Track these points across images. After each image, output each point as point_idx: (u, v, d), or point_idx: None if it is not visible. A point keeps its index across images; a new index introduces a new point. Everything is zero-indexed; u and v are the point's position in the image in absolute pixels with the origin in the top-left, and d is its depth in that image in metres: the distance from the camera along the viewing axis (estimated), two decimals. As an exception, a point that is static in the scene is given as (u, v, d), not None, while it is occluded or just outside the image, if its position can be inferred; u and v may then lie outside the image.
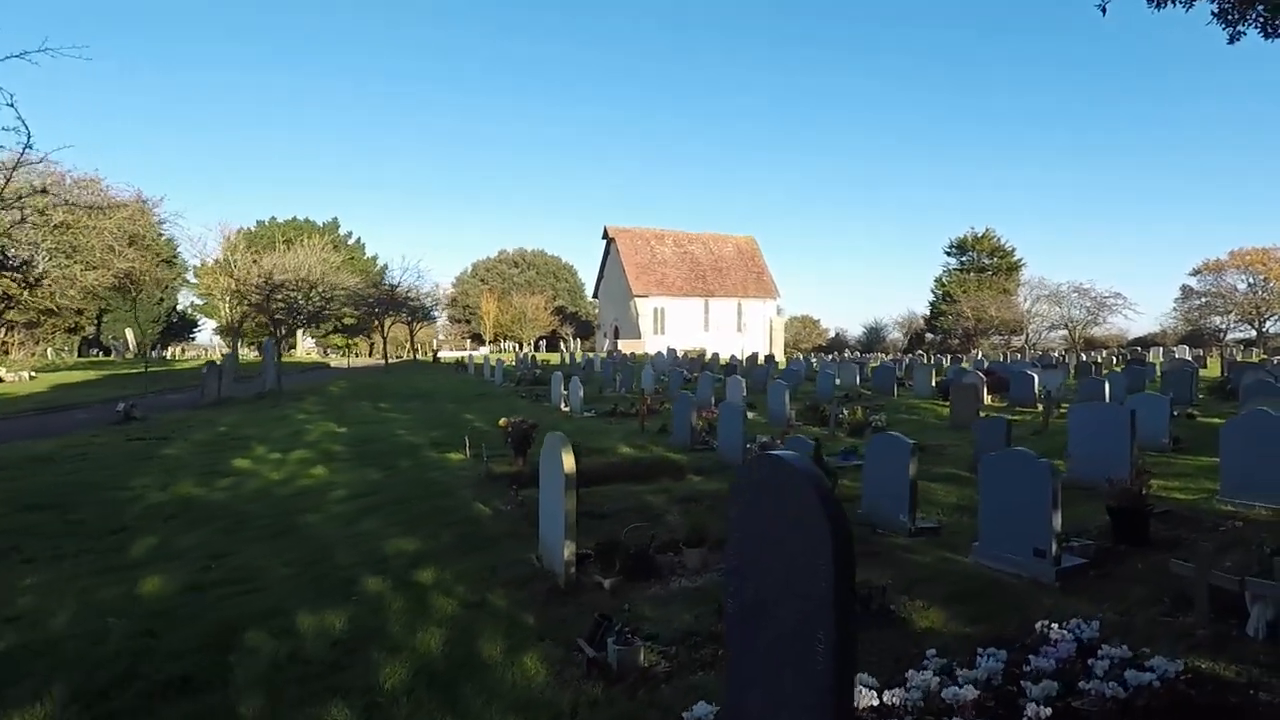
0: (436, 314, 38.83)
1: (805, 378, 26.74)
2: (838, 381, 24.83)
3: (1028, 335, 70.16)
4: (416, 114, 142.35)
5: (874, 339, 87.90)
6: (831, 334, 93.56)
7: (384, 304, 29.38)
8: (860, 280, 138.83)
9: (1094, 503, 8.02)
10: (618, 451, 11.29)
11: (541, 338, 69.17)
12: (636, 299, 56.96)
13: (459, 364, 31.71)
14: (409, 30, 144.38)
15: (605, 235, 61.25)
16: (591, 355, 37.32)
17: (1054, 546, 5.51)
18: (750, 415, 16.11)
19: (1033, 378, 17.15)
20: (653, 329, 57.41)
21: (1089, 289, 47.84)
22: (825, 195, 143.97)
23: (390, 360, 37.40)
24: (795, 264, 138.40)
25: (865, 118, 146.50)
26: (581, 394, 16.37)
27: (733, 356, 40.26)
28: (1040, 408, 16.15)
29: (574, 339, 68.69)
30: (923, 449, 11.98)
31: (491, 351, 61.91)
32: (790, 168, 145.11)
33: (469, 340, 71.77)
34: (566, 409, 16.88)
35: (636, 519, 7.68)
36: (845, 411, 13.71)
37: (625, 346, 52.85)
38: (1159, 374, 22.76)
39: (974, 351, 55.55)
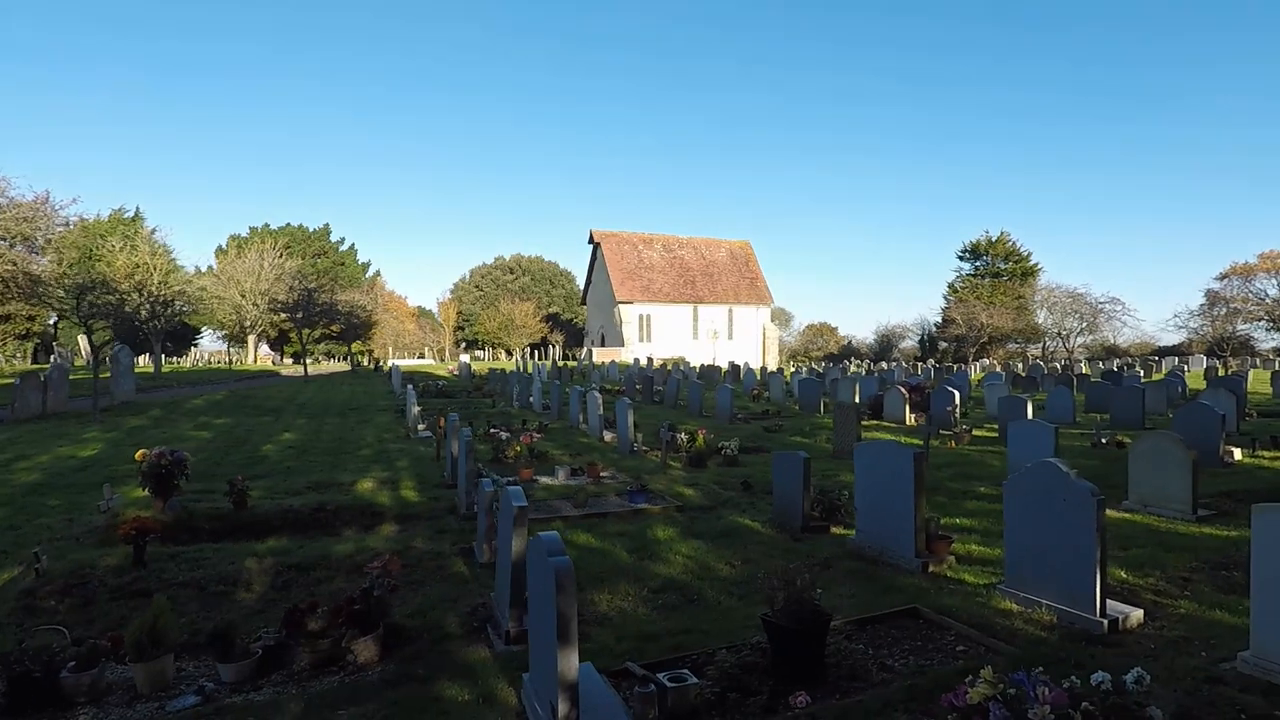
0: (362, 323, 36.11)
1: (732, 392, 24.36)
2: (765, 395, 22.44)
3: (1045, 344, 66.35)
4: (418, 122, 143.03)
5: (886, 347, 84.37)
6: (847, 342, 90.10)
7: (303, 310, 27.60)
8: (885, 286, 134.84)
9: (861, 584, 5.73)
10: (354, 488, 9.21)
11: (532, 345, 67.47)
12: (620, 306, 54.84)
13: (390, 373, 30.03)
14: (409, 40, 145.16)
15: (591, 240, 59.29)
16: (540, 365, 35.29)
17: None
18: (608, 437, 13.95)
19: (953, 394, 14.58)
20: (638, 336, 55.24)
21: (1084, 294, 44.24)
22: (847, 201, 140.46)
23: (353, 368, 36.15)
24: (816, 271, 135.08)
25: (885, 118, 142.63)
26: (417, 410, 14.34)
27: (701, 366, 37.91)
28: (956, 429, 13.65)
29: (561, 346, 66.86)
30: (750, 487, 9.73)
31: (471, 359, 60.46)
32: (811, 172, 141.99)
33: (428, 347, 70.19)
34: (413, 427, 14.87)
35: (202, 597, 5.60)
36: (683, 436, 11.39)
37: (604, 355, 50.77)
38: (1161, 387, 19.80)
39: (972, 362, 52.26)
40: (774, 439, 14.14)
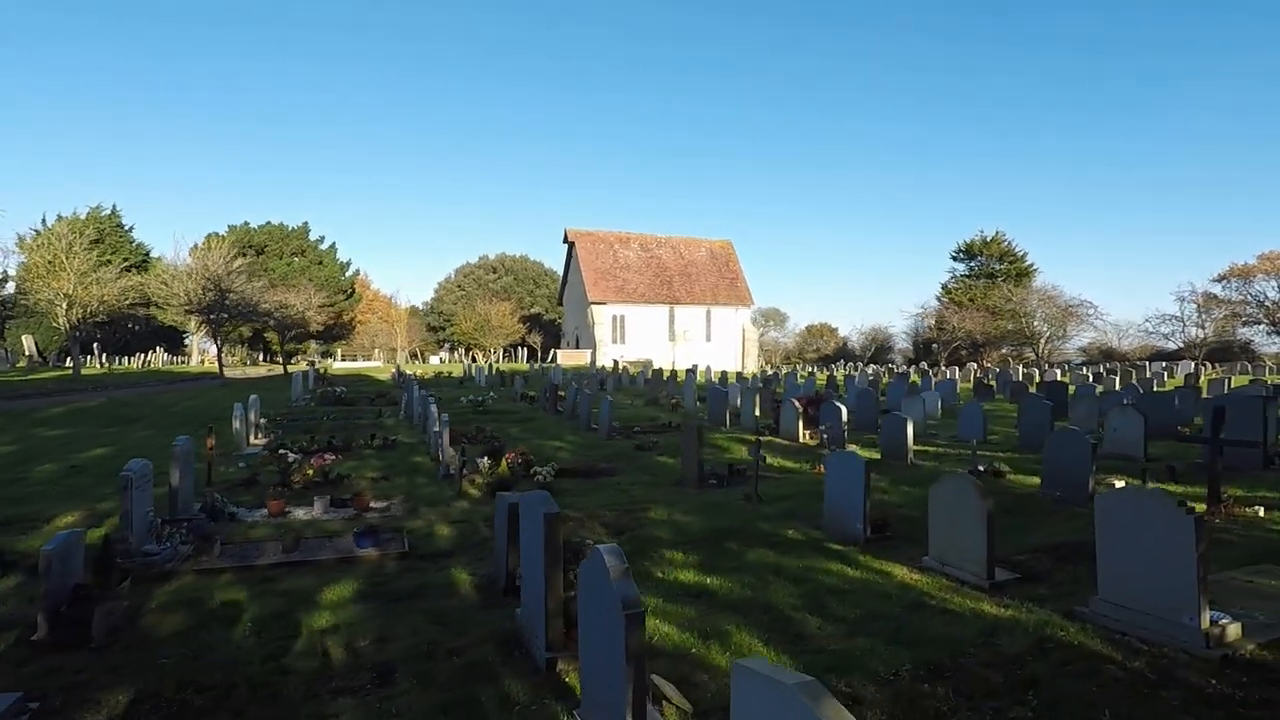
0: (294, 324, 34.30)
1: (611, 404, 22.92)
2: (681, 406, 20.97)
3: (1039, 347, 64.23)
4: (407, 123, 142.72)
5: (878, 349, 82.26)
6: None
7: (216, 310, 26.29)
8: (890, 286, 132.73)
9: (458, 690, 4.27)
10: (50, 522, 7.89)
11: (511, 346, 66.27)
12: (593, 306, 53.41)
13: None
14: (400, 37, 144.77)
15: (566, 239, 57.89)
16: (480, 368, 34.01)
17: None
18: (444, 455, 12.51)
19: (839, 409, 13.06)
20: (611, 338, 53.79)
21: (1055, 296, 42.34)
22: (850, 202, 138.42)
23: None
24: (819, 272, 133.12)
25: (894, 116, 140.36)
26: (238, 424, 13.02)
27: (654, 370, 36.46)
28: (829, 450, 12.08)
29: (540, 347, 65.61)
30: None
31: (443, 361, 59.28)
32: (818, 171, 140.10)
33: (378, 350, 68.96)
34: (239, 445, 13.50)
35: None
36: (485, 460, 9.97)
37: (572, 357, 49.46)
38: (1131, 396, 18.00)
39: (945, 366, 50.34)
40: (636, 459, 12.70)
